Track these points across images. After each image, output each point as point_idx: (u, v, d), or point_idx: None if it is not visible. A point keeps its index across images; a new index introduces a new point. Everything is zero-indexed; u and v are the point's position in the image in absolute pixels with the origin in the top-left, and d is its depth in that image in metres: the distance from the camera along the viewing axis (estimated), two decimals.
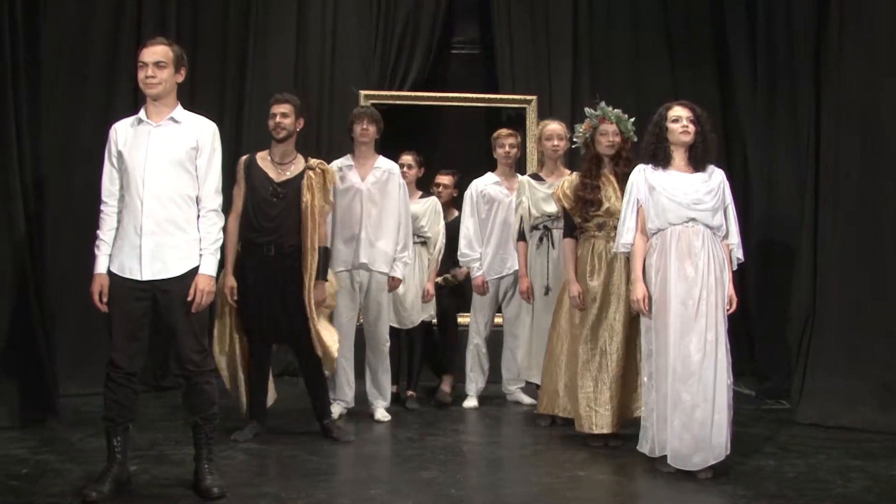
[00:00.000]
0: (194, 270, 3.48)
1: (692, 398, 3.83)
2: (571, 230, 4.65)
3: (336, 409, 5.06)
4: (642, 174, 4.08)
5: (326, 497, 3.50)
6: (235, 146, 6.14)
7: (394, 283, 5.12)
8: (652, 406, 3.97)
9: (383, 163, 5.12)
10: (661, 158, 4.05)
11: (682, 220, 3.95)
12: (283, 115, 4.53)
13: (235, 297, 4.45)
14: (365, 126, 5.03)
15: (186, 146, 3.51)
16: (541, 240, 5.13)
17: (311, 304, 4.42)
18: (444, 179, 5.87)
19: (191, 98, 5.85)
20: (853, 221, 5.06)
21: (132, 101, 5.42)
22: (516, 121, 6.76)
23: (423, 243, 5.60)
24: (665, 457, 3.88)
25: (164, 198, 3.45)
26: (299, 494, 3.51)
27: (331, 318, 5.07)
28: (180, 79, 3.58)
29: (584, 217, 4.55)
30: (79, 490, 3.42)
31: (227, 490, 3.48)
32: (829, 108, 5.19)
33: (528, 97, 6.90)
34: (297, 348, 4.66)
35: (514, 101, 6.94)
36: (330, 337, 4.51)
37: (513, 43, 7.01)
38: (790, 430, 4.86)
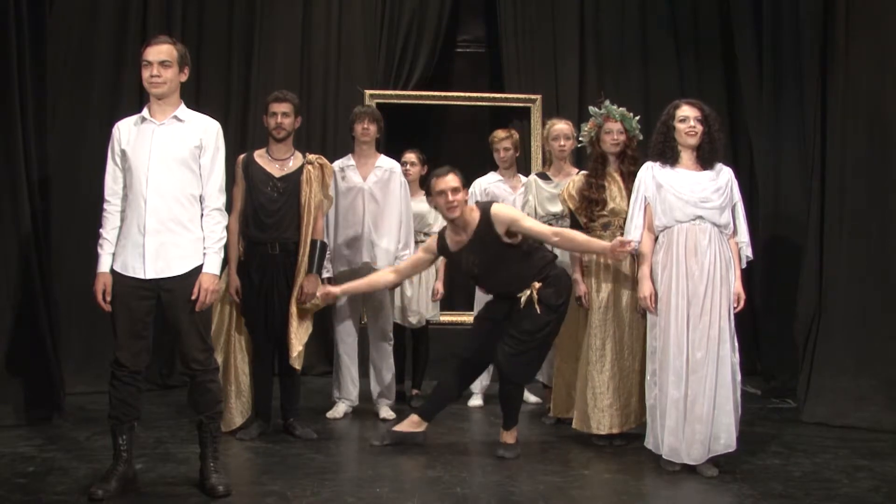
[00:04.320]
0: (198, 269, 3.48)
1: (692, 394, 3.84)
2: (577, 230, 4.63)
3: (341, 408, 5.07)
4: (650, 171, 4.08)
5: (331, 495, 3.50)
6: (241, 145, 6.15)
7: None
8: (654, 402, 3.97)
9: (384, 162, 5.11)
10: (668, 157, 4.04)
11: (689, 218, 3.95)
12: (284, 114, 4.53)
13: (241, 297, 4.46)
14: (366, 125, 5.03)
15: (190, 145, 3.51)
16: None
17: (295, 297, 4.41)
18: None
19: (196, 97, 5.89)
20: (860, 220, 5.05)
21: (138, 99, 5.42)
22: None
23: None
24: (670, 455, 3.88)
25: (167, 196, 3.45)
26: (304, 492, 3.51)
27: (333, 317, 5.08)
28: (184, 78, 3.58)
29: (589, 217, 4.54)
30: (85, 488, 3.43)
31: (233, 488, 3.48)
32: (836, 106, 5.18)
33: (533, 96, 6.90)
34: (281, 344, 4.55)
35: (518, 100, 6.94)
36: (299, 338, 4.45)
37: (518, 41, 7.00)
38: (796, 429, 4.85)
